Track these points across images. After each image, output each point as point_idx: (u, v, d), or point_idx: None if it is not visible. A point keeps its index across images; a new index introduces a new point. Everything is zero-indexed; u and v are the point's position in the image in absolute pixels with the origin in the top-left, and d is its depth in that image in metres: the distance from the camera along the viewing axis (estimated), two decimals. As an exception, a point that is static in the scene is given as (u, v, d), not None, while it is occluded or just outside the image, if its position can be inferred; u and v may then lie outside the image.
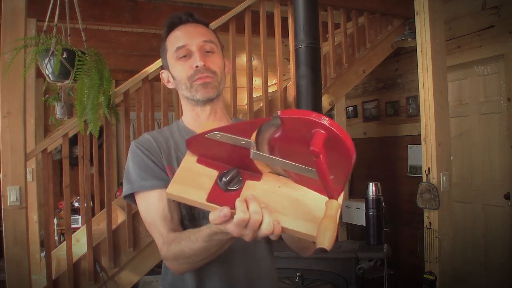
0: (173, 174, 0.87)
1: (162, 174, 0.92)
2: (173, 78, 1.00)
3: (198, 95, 0.96)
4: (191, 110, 1.01)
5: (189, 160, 0.74)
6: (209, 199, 0.68)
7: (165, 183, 0.89)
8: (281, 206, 0.67)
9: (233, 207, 0.63)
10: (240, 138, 0.66)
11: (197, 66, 0.94)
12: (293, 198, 0.69)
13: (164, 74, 1.04)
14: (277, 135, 0.64)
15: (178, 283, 0.98)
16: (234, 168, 0.70)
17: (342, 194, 0.66)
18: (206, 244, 0.75)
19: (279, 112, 0.60)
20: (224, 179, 0.69)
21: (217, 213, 0.63)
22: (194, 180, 0.71)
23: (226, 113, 1.06)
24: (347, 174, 0.61)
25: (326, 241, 0.58)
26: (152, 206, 0.91)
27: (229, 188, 0.69)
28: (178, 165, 0.91)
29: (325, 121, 0.55)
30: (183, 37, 0.96)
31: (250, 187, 0.70)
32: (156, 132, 1.03)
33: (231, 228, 0.64)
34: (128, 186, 0.93)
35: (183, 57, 0.96)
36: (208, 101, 0.98)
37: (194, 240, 0.77)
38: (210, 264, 0.87)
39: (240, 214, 0.62)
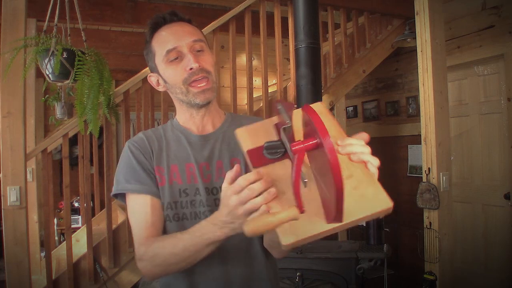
0: (162, 175, 0.94)
1: (147, 179, 0.95)
2: (165, 81, 0.99)
3: (197, 100, 0.95)
4: (186, 111, 1.01)
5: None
6: (248, 151, 0.75)
7: (148, 189, 0.93)
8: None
9: (260, 165, 0.71)
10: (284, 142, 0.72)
11: (191, 68, 0.93)
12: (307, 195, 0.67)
13: (153, 78, 1.02)
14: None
15: (172, 282, 0.98)
16: (279, 140, 0.74)
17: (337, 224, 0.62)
18: (189, 243, 0.79)
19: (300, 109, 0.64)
20: (266, 144, 0.73)
21: (233, 170, 0.69)
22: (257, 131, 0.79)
23: (218, 107, 1.07)
24: (335, 199, 0.58)
25: (284, 241, 0.62)
26: (135, 208, 0.94)
27: (266, 153, 0.73)
28: (170, 164, 0.96)
29: (327, 142, 0.55)
30: (172, 39, 0.94)
31: (281, 166, 0.72)
32: (150, 131, 1.04)
33: (230, 191, 0.68)
34: (115, 186, 0.97)
35: (175, 60, 0.94)
36: (207, 104, 0.98)
37: (178, 239, 0.82)
38: (204, 264, 0.88)
39: (240, 180, 0.66)
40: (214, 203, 0.94)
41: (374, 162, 0.64)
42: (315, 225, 0.63)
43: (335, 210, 0.57)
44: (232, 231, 0.74)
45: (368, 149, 0.65)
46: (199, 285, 0.95)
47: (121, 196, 0.98)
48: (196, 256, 0.81)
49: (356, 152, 0.64)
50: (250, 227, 0.62)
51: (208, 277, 0.95)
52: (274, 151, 0.72)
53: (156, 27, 0.97)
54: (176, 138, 1.01)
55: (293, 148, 0.61)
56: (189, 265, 0.84)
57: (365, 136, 0.68)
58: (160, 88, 1.02)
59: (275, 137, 0.76)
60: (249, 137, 0.78)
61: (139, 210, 0.93)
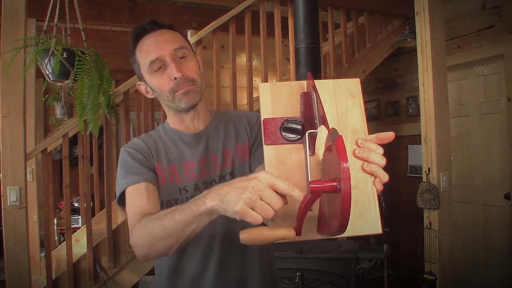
0: (162, 173, 0.96)
1: (143, 170, 0.95)
2: (152, 90, 1.00)
3: (182, 103, 0.96)
4: (175, 115, 1.03)
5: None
6: (265, 120, 0.69)
7: (143, 177, 0.93)
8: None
9: (272, 143, 0.66)
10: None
11: (175, 78, 0.93)
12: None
13: (142, 86, 1.03)
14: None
15: (174, 275, 1.01)
16: (301, 122, 0.69)
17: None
18: (177, 213, 0.74)
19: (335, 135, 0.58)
20: (286, 123, 0.68)
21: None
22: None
23: (207, 108, 1.08)
24: (336, 229, 0.56)
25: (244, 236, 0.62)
26: (130, 199, 0.93)
27: (283, 132, 0.68)
28: (169, 164, 0.99)
29: (345, 182, 0.52)
30: (154, 49, 0.94)
31: (293, 149, 0.68)
32: (144, 135, 1.07)
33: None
34: (116, 191, 0.98)
35: (159, 69, 0.95)
36: (192, 107, 0.99)
37: (168, 210, 0.77)
38: (200, 260, 0.93)
39: (244, 181, 0.63)
40: None
41: (383, 179, 0.61)
42: (305, 232, 0.62)
43: (340, 224, 0.55)
44: (219, 206, 0.67)
45: (384, 162, 0.61)
46: (204, 274, 0.99)
47: (120, 202, 0.98)
48: (183, 231, 0.75)
49: (372, 162, 0.61)
50: (246, 236, 0.62)
51: (211, 269, 0.98)
52: (292, 135, 0.68)
53: (137, 37, 0.98)
54: (171, 140, 1.04)
55: (311, 186, 0.56)
56: (177, 244, 0.78)
57: (390, 135, 0.64)
58: (149, 96, 1.04)
59: (297, 109, 0.70)
60: (271, 99, 0.70)
61: (135, 196, 0.92)
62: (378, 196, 0.63)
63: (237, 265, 1.00)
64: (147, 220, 0.81)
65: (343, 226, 0.55)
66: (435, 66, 2.51)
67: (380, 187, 0.61)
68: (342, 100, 0.67)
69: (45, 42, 2.08)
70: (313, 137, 0.67)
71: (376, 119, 4.04)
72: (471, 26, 3.13)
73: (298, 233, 0.61)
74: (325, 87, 0.68)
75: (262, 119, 0.70)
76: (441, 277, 2.43)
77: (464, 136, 3.32)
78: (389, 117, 3.90)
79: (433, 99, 2.50)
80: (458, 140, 3.34)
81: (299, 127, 0.68)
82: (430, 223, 2.50)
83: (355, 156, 0.62)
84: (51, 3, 2.19)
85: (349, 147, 0.62)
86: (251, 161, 1.01)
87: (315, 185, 0.56)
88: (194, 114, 1.02)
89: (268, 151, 0.69)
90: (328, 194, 0.57)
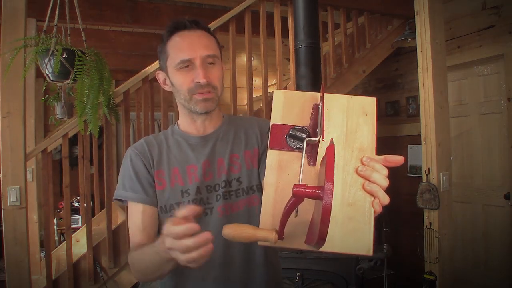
0: (162, 179, 0.99)
1: (139, 188, 0.98)
2: (172, 84, 1.01)
3: (197, 108, 0.97)
4: (187, 114, 1.04)
5: None
6: (273, 125, 0.70)
7: (140, 197, 0.98)
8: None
9: (277, 148, 0.68)
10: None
11: (198, 82, 0.94)
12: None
13: (160, 75, 1.04)
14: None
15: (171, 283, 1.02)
16: (307, 132, 0.70)
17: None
18: (151, 258, 0.80)
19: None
20: (292, 131, 0.69)
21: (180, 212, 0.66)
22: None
23: (220, 113, 1.09)
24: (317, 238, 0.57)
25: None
26: (130, 215, 1.01)
27: (288, 139, 0.69)
28: (171, 168, 1.00)
29: (327, 198, 0.53)
30: (187, 49, 0.95)
31: (296, 157, 0.69)
32: (152, 137, 1.07)
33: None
34: (116, 190, 1.02)
35: (185, 67, 0.96)
36: (207, 113, 1.00)
37: (144, 253, 0.85)
38: (205, 266, 0.89)
39: (176, 229, 0.63)
40: (215, 199, 0.98)
41: (383, 201, 0.61)
42: (292, 239, 0.64)
43: (318, 238, 0.56)
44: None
45: (386, 183, 0.61)
46: (198, 280, 0.99)
47: (121, 200, 1.04)
48: (162, 270, 0.82)
49: (374, 181, 0.61)
50: (228, 231, 0.64)
51: (208, 271, 0.98)
52: (296, 142, 0.69)
53: (174, 30, 0.98)
54: (176, 142, 1.04)
55: (294, 189, 0.58)
56: (162, 275, 0.85)
57: (399, 159, 0.64)
58: (166, 88, 1.04)
59: (307, 120, 0.71)
60: (283, 106, 0.72)
61: (133, 216, 0.99)
62: (376, 217, 0.63)
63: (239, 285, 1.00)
64: (133, 256, 0.91)
65: (321, 240, 0.55)
66: (435, 66, 2.51)
67: (378, 208, 0.61)
68: (354, 117, 0.68)
69: (45, 42, 2.08)
70: (315, 147, 0.67)
71: (377, 119, 4.03)
72: (471, 26, 3.13)
73: (280, 236, 0.62)
74: (339, 102, 0.69)
75: (271, 124, 0.71)
76: (441, 277, 2.43)
77: (464, 136, 3.32)
78: (389, 117, 3.90)
79: (433, 99, 2.50)
80: (458, 140, 3.34)
81: (304, 135, 0.69)
82: (430, 223, 2.50)
83: (358, 174, 0.62)
84: (51, 3, 2.19)
85: (353, 164, 0.63)
86: (260, 169, 1.01)
87: (299, 189, 0.57)
88: (206, 117, 1.03)
89: (272, 155, 0.69)
90: (318, 207, 0.57)
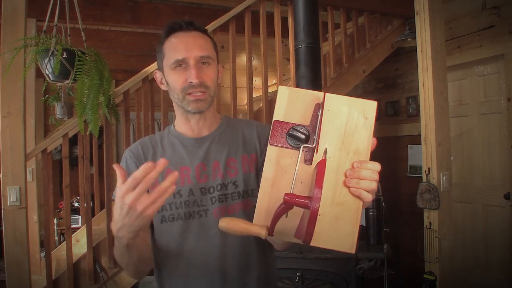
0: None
1: None
2: (167, 83, 1.03)
3: (190, 107, 0.99)
4: (182, 114, 1.05)
5: None
6: (275, 122, 0.72)
7: None
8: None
9: (276, 144, 0.71)
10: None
11: (191, 82, 0.96)
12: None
13: (158, 75, 1.07)
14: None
15: (168, 278, 1.03)
16: (307, 132, 0.71)
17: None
18: (118, 249, 0.85)
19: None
20: (292, 130, 0.71)
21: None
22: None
23: (216, 112, 1.10)
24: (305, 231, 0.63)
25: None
26: None
27: (287, 137, 0.71)
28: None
29: (315, 204, 0.59)
30: (182, 49, 0.97)
31: (295, 156, 0.71)
32: (147, 138, 1.10)
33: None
34: (114, 191, 1.02)
35: (179, 67, 0.98)
36: (199, 112, 1.01)
37: (115, 248, 0.87)
38: (201, 260, 0.97)
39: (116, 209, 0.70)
40: (210, 202, 0.99)
41: (368, 201, 0.65)
42: (282, 233, 0.69)
43: (305, 236, 0.61)
44: (132, 232, 0.75)
45: (376, 178, 0.65)
46: (194, 281, 0.99)
47: None
48: (133, 259, 0.89)
49: (363, 178, 0.65)
50: (224, 225, 0.70)
51: (203, 272, 0.98)
52: (295, 141, 0.71)
53: (171, 31, 1.01)
54: (170, 143, 1.06)
55: (285, 198, 0.62)
56: (143, 267, 0.95)
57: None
58: (163, 87, 1.07)
59: (309, 118, 0.72)
60: (287, 103, 0.73)
61: None
62: (377, 196, 0.67)
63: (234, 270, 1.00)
64: (115, 255, 0.93)
65: (306, 242, 0.62)
66: (435, 66, 2.51)
67: (368, 205, 0.67)
68: (353, 119, 0.69)
69: (45, 42, 2.08)
70: (311, 149, 0.70)
71: (376, 119, 4.01)
72: (471, 26, 3.13)
73: (271, 233, 0.67)
74: (340, 103, 0.70)
75: (273, 120, 0.72)
76: (441, 277, 2.43)
77: (464, 136, 3.33)
78: (389, 117, 3.90)
79: (433, 99, 2.50)
80: (458, 140, 3.34)
81: (303, 136, 0.70)
82: (430, 223, 2.50)
83: (345, 176, 0.66)
84: (51, 3, 2.19)
85: (348, 166, 0.67)
86: (259, 175, 1.00)
87: (289, 198, 0.62)
88: (200, 117, 1.04)
89: (271, 151, 0.71)
90: (310, 204, 0.62)
